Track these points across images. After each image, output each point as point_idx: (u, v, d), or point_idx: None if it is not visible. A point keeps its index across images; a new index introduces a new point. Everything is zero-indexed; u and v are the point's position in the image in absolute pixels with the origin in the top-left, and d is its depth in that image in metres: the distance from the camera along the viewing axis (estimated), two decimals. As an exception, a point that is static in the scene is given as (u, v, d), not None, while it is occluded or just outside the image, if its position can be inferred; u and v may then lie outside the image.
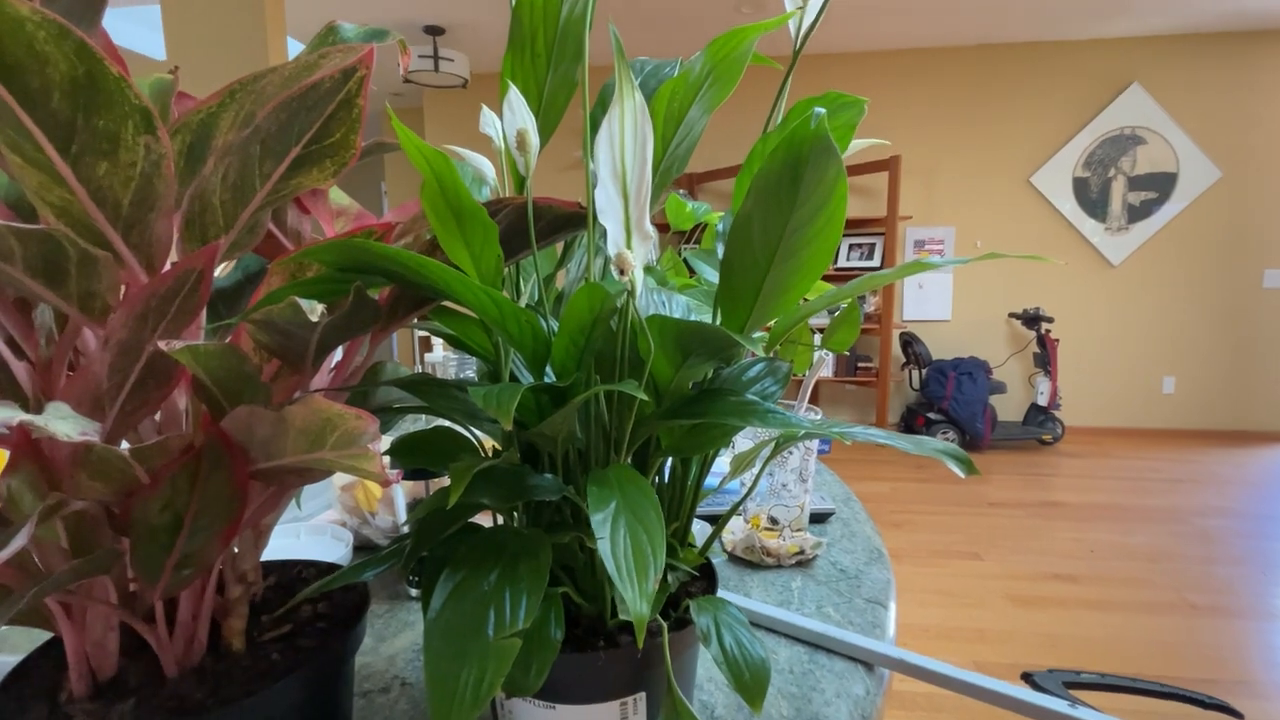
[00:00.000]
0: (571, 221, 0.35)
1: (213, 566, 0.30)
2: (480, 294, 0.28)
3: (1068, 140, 4.04)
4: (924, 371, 4.02)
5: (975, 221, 4.19)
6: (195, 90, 2.64)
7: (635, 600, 0.21)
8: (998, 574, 2.35)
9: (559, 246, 0.44)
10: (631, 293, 0.24)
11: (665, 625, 0.32)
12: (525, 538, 0.30)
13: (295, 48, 4.18)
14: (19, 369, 0.28)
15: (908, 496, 3.18)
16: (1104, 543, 2.61)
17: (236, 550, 0.33)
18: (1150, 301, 4.14)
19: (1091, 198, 4.07)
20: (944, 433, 3.83)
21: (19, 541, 0.20)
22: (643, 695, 0.34)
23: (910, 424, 4.08)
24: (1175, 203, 4.02)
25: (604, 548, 0.22)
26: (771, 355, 0.38)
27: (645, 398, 0.25)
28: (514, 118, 0.29)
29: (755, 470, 0.65)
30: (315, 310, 0.24)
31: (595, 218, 0.35)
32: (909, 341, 4.10)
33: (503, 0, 3.43)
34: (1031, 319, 3.96)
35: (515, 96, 0.28)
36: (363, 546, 0.68)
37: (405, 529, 0.59)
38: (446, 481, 0.59)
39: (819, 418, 0.70)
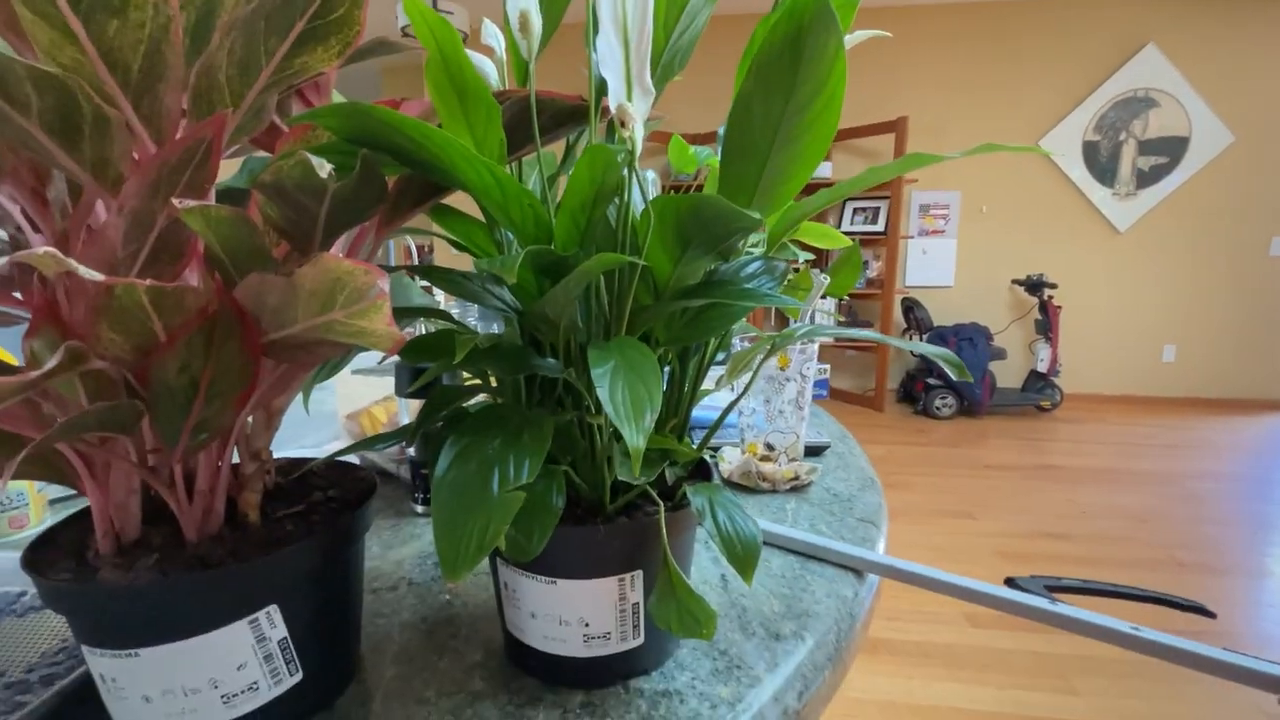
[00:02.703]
0: (574, 116, 0.35)
1: (229, 434, 0.31)
2: (483, 169, 0.29)
3: (1079, 103, 3.97)
4: (924, 337, 4.03)
5: (982, 185, 4.14)
6: None
7: (632, 435, 0.22)
8: (990, 532, 2.39)
9: (558, 154, 0.44)
10: (632, 151, 0.24)
11: (662, 505, 0.33)
12: (527, 414, 0.31)
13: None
14: (36, 241, 0.29)
15: (904, 459, 3.22)
16: (1096, 504, 2.65)
17: (250, 431, 0.34)
18: (1155, 269, 4.12)
19: (1101, 162, 4.01)
20: (942, 397, 3.86)
21: (46, 368, 0.21)
22: (639, 573, 0.35)
23: (910, 389, 4.11)
24: (1185, 168, 3.96)
25: (603, 394, 0.23)
26: (769, 255, 0.38)
27: (644, 263, 0.26)
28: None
29: (750, 400, 0.67)
30: (324, 167, 0.25)
31: (596, 114, 0.35)
32: (910, 307, 4.10)
33: (503, -50, 3.33)
34: (1034, 285, 3.95)
35: (518, -27, 0.28)
36: (369, 471, 0.69)
37: (412, 454, 0.60)
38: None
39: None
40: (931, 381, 3.91)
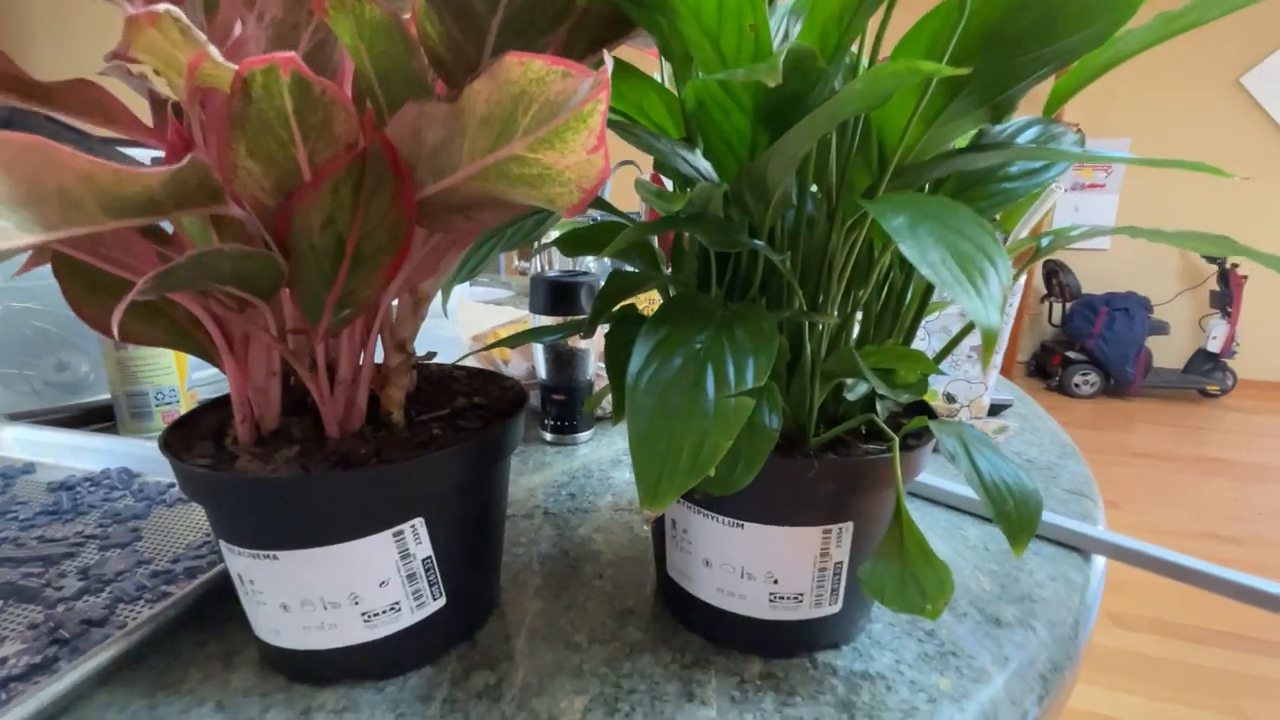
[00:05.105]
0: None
1: (374, 314, 0.26)
2: (705, -37, 0.21)
3: (1302, 29, 3.27)
4: (1068, 306, 3.59)
5: (1159, 132, 3.55)
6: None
7: (977, 308, 0.14)
8: (1140, 527, 2.12)
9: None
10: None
11: (897, 440, 0.25)
12: (735, 309, 0.24)
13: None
14: (170, 69, 0.25)
15: (1034, 438, 2.92)
16: (1275, 505, 2.28)
17: (395, 318, 0.30)
18: (1380, 236, 3.41)
19: (1322, 103, 3.31)
20: (1084, 374, 3.45)
21: (179, 164, 0.16)
22: (849, 525, 0.28)
23: (1044, 363, 3.71)
24: None
25: (910, 251, 0.15)
26: (1052, 119, 0.28)
27: (933, 66, 0.17)
28: None
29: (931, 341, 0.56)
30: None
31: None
32: (1055, 271, 3.66)
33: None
34: (1214, 251, 3.38)
35: None
36: (494, 396, 0.66)
37: (543, 377, 0.56)
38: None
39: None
40: (1072, 355, 3.49)
